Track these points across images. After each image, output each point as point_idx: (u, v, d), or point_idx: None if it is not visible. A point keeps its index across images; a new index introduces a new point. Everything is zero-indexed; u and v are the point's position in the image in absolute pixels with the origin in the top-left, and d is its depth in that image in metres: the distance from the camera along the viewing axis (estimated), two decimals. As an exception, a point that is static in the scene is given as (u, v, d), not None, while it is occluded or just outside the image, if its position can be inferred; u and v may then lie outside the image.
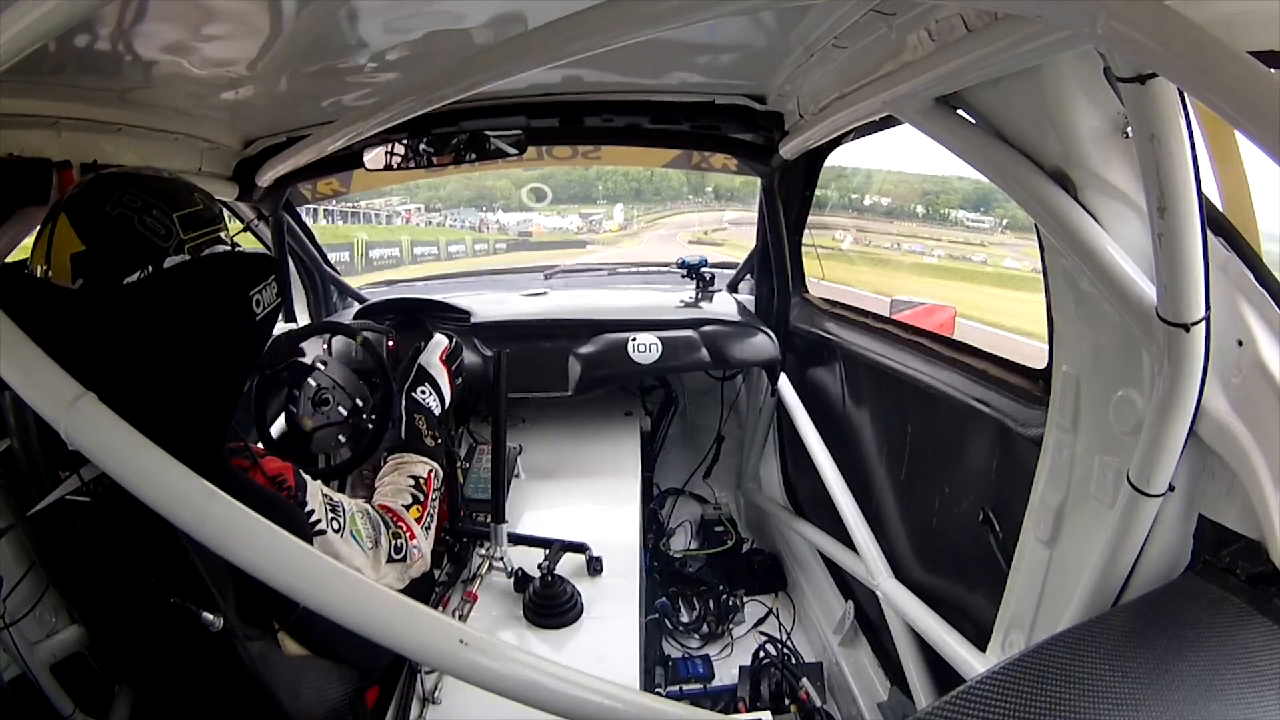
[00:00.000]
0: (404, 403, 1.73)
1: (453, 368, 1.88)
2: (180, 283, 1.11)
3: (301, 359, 1.91)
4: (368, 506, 1.42)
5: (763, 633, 2.44)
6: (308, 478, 1.30)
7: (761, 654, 2.27)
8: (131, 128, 1.57)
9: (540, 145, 2.51)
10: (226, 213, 2.37)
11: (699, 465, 3.05)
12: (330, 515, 1.29)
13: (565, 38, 1.07)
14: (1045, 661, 0.92)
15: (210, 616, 1.14)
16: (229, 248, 1.20)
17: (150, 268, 1.08)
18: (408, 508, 1.51)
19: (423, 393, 1.77)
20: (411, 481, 1.58)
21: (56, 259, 1.06)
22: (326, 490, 1.33)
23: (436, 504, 1.60)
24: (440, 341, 1.89)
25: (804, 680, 2.13)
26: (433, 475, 1.62)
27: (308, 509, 1.26)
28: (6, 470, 1.22)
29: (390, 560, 1.39)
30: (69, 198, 1.10)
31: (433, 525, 1.55)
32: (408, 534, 1.44)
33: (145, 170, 1.19)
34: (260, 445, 1.33)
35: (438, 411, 1.77)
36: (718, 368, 2.66)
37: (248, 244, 2.45)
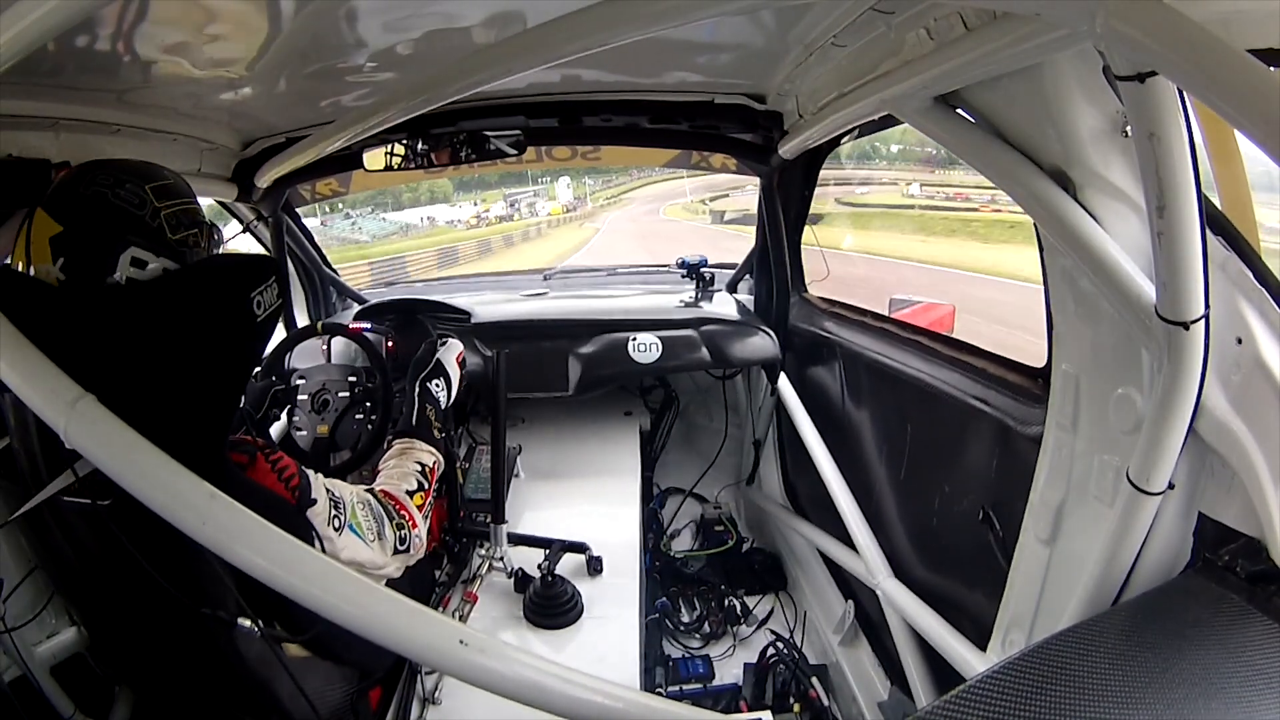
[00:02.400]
0: (418, 390, 1.73)
1: (465, 369, 1.89)
2: (181, 284, 1.11)
3: (278, 387, 1.95)
4: (369, 496, 1.40)
5: (771, 630, 2.44)
6: (310, 473, 1.30)
7: (770, 651, 2.27)
8: (130, 129, 1.57)
9: (539, 145, 2.51)
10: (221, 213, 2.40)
11: (708, 468, 3.04)
12: (333, 513, 1.28)
13: (564, 37, 1.07)
14: (1045, 660, 0.92)
15: (247, 623, 1.14)
16: (205, 220, 1.19)
17: (146, 243, 1.08)
18: (411, 494, 1.50)
19: (437, 386, 1.77)
20: (418, 468, 1.57)
21: (36, 248, 1.06)
22: (328, 483, 1.32)
23: (434, 496, 1.60)
24: (458, 345, 1.90)
25: (814, 679, 2.14)
26: (437, 466, 1.62)
27: (314, 503, 1.26)
28: (6, 471, 1.21)
29: (396, 552, 1.38)
30: (42, 198, 1.10)
31: (430, 515, 1.54)
32: (410, 523, 1.43)
33: (119, 160, 1.18)
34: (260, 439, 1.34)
35: (443, 406, 1.78)
36: (718, 367, 2.66)
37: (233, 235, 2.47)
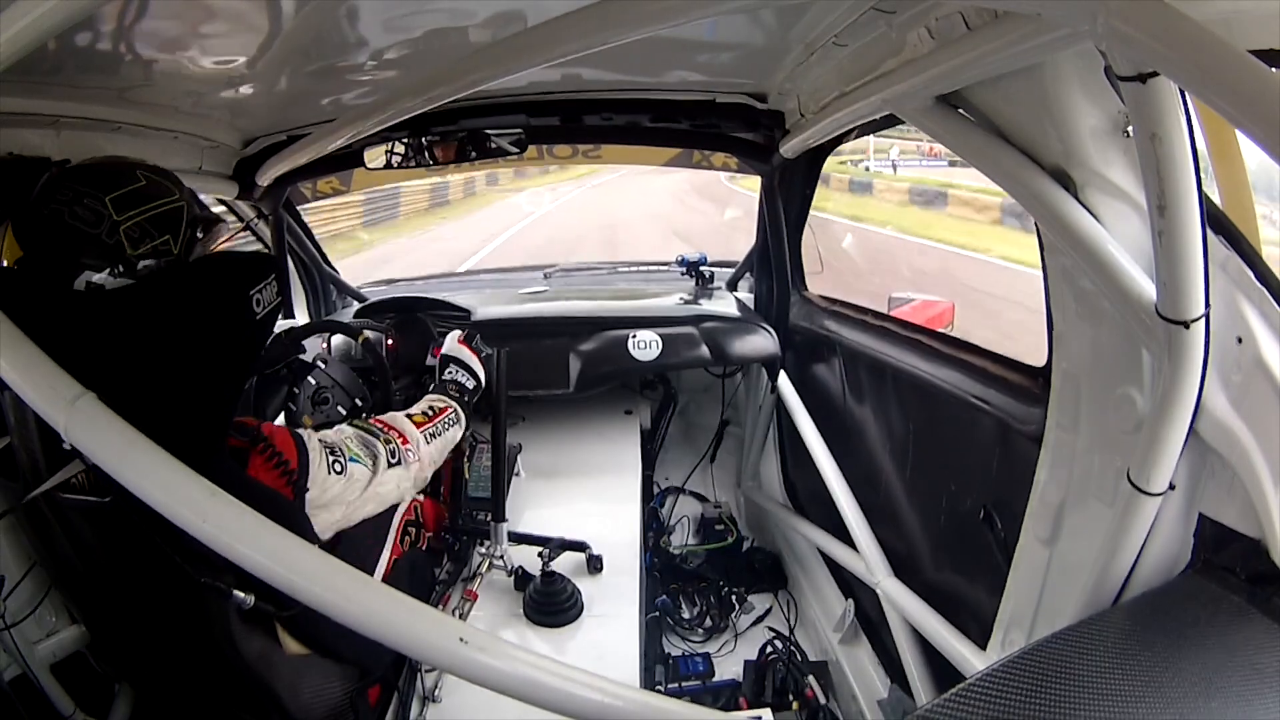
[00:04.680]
0: (433, 389, 1.77)
1: (473, 346, 1.90)
2: (180, 282, 1.11)
3: (302, 357, 1.93)
4: (356, 429, 1.43)
5: (770, 628, 2.45)
6: (304, 434, 1.30)
7: (769, 649, 2.27)
8: (131, 126, 1.57)
9: (540, 144, 2.51)
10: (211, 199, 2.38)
11: (700, 461, 3.04)
12: (331, 459, 1.29)
13: (565, 36, 1.07)
14: (1045, 659, 0.92)
15: (241, 595, 1.15)
16: (186, 218, 1.16)
17: (106, 266, 1.07)
18: (409, 417, 1.54)
19: (450, 372, 1.81)
20: (426, 404, 1.63)
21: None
22: (322, 435, 1.34)
23: (450, 429, 1.62)
24: (455, 332, 1.92)
25: (810, 677, 2.14)
26: (449, 410, 1.65)
27: (308, 489, 1.26)
28: (6, 470, 1.22)
29: (390, 465, 1.40)
30: (17, 206, 1.10)
31: (437, 443, 1.56)
32: (399, 439, 1.45)
33: (94, 160, 1.17)
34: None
35: (470, 385, 1.81)
36: (718, 364, 2.66)
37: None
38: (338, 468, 1.30)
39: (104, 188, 1.09)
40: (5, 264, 1.08)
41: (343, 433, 1.40)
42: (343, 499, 1.31)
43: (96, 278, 1.07)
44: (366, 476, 1.35)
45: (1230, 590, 0.98)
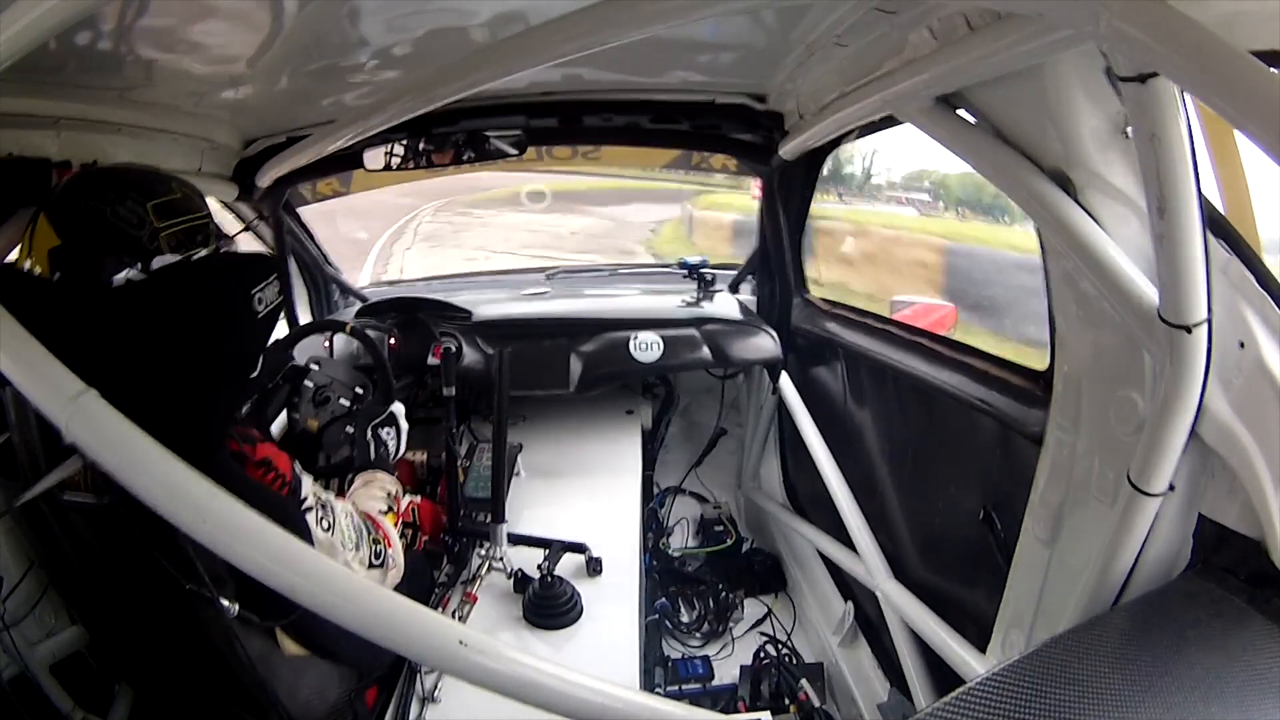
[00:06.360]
0: (370, 435, 1.78)
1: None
2: (182, 282, 1.11)
3: (294, 364, 1.93)
4: (351, 509, 1.42)
5: (763, 633, 2.44)
6: (301, 472, 1.30)
7: (762, 654, 2.27)
8: (131, 127, 1.57)
9: (540, 145, 2.51)
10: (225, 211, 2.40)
11: (695, 463, 3.04)
12: (320, 514, 1.29)
13: (565, 36, 1.08)
14: (1045, 662, 0.92)
15: (226, 602, 1.15)
16: (211, 238, 1.19)
17: (139, 263, 1.08)
18: (384, 514, 1.55)
19: (388, 433, 1.84)
20: (384, 493, 1.63)
21: (37, 256, 1.08)
22: (316, 488, 1.33)
23: (404, 522, 1.66)
24: (401, 408, 1.94)
25: (803, 681, 2.13)
26: (399, 494, 1.68)
27: (304, 503, 1.26)
28: (5, 468, 1.22)
29: (370, 566, 1.39)
30: (49, 198, 1.11)
31: (400, 540, 1.56)
32: (385, 541, 1.45)
33: (128, 165, 1.19)
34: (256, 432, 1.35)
35: (392, 453, 1.85)
36: (719, 366, 2.66)
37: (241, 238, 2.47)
38: (324, 524, 1.29)
39: (146, 194, 1.11)
40: (31, 255, 1.08)
41: (339, 503, 1.38)
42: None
43: (134, 275, 1.08)
44: (341, 557, 1.33)
45: (1230, 592, 0.98)
